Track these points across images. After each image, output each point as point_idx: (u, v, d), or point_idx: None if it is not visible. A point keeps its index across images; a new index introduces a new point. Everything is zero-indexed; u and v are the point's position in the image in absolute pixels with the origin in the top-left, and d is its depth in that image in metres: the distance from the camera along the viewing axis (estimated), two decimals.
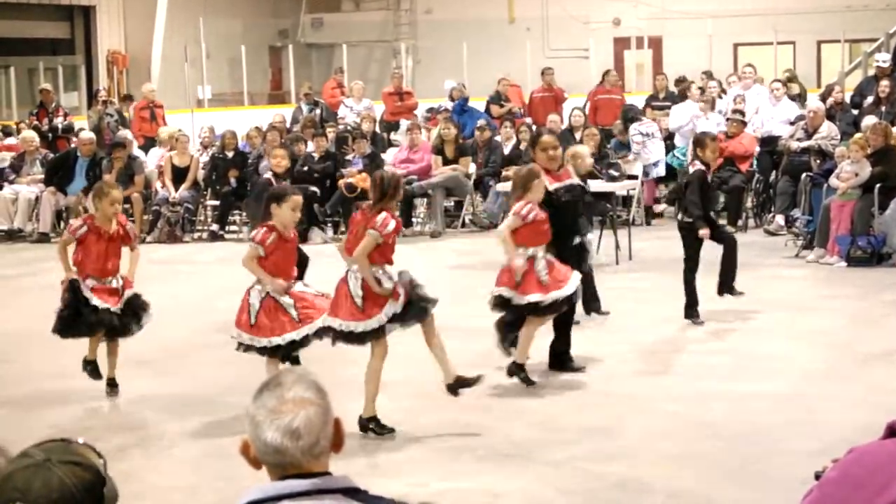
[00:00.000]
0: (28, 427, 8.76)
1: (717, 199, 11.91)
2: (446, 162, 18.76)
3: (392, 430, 8.58)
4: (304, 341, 8.88)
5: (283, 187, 10.03)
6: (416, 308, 8.56)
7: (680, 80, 21.41)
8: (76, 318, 9.69)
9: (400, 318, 8.54)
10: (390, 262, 8.63)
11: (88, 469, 2.46)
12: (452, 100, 22.35)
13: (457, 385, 8.84)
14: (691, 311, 11.81)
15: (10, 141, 21.58)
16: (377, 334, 8.52)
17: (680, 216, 12.01)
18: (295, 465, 2.78)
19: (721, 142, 16.92)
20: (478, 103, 22.61)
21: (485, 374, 9.05)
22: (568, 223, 10.13)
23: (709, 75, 22.14)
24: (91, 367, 9.95)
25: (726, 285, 12.06)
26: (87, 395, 10.05)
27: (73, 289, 9.67)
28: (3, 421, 9.13)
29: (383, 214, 8.52)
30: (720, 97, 19.97)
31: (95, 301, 9.60)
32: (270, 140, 18.81)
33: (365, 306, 8.47)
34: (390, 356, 8.62)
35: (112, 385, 9.92)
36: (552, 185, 9.98)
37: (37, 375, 10.56)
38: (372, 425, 8.56)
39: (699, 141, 12.19)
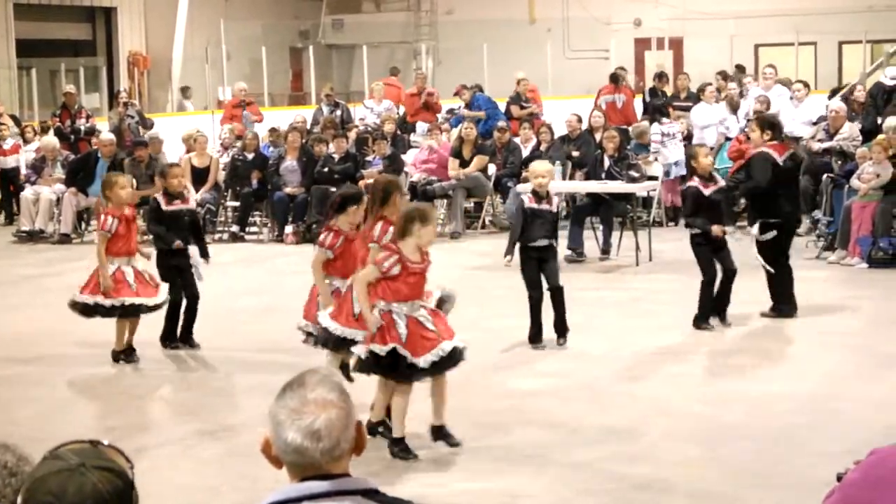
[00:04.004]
0: (52, 427, 8.81)
1: (730, 206, 11.96)
2: (463, 163, 18.73)
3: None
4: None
5: (353, 188, 9.97)
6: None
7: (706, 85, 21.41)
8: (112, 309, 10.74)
9: None
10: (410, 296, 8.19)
11: (120, 475, 2.47)
12: (467, 104, 22.36)
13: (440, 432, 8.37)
14: (705, 319, 11.75)
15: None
16: None
17: (690, 232, 11.91)
18: (314, 467, 2.79)
19: (741, 143, 16.89)
20: (498, 104, 22.63)
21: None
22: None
23: (724, 76, 22.02)
24: (125, 354, 10.88)
25: (719, 312, 11.78)
26: (109, 394, 10.10)
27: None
28: (28, 420, 9.18)
29: (380, 224, 8.50)
30: (742, 97, 19.92)
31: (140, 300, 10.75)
32: (291, 141, 18.86)
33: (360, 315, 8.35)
34: None
35: (132, 352, 10.91)
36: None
37: (59, 375, 10.60)
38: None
39: (690, 154, 12.37)
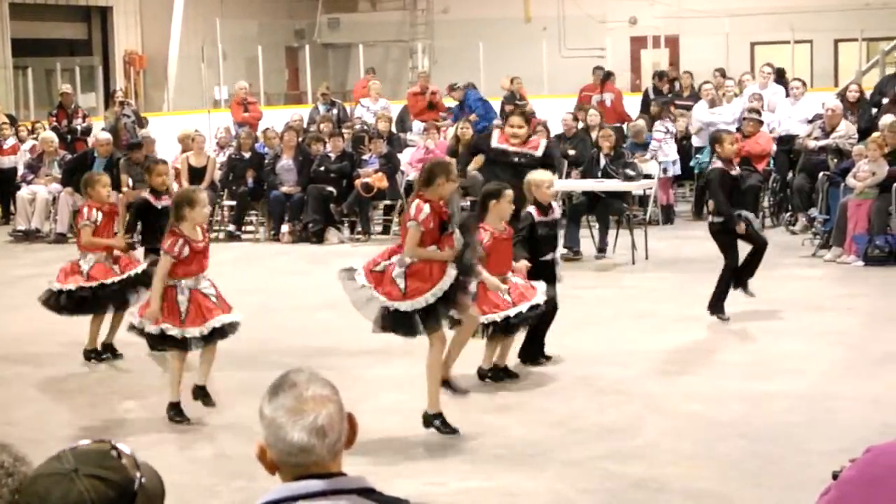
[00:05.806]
0: (49, 427, 8.79)
1: (752, 195, 11.83)
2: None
3: (456, 431, 8.49)
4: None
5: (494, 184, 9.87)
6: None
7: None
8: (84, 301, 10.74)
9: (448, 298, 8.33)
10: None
11: (114, 486, 2.43)
12: (459, 103, 22.36)
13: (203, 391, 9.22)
14: (719, 306, 11.77)
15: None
16: (429, 322, 8.31)
17: (710, 218, 11.93)
18: (318, 464, 2.77)
19: (737, 141, 16.90)
20: (493, 103, 22.63)
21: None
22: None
23: (722, 73, 22.09)
24: (94, 353, 10.97)
25: (742, 281, 11.95)
26: (105, 394, 10.09)
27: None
28: (26, 420, 9.17)
29: (416, 202, 8.43)
30: (737, 96, 19.95)
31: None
32: (287, 140, 18.86)
33: (407, 287, 8.29)
34: (410, 353, 8.59)
35: (113, 351, 11.03)
36: None
37: (56, 376, 10.60)
38: (437, 422, 8.49)
39: (716, 139, 12.20)
